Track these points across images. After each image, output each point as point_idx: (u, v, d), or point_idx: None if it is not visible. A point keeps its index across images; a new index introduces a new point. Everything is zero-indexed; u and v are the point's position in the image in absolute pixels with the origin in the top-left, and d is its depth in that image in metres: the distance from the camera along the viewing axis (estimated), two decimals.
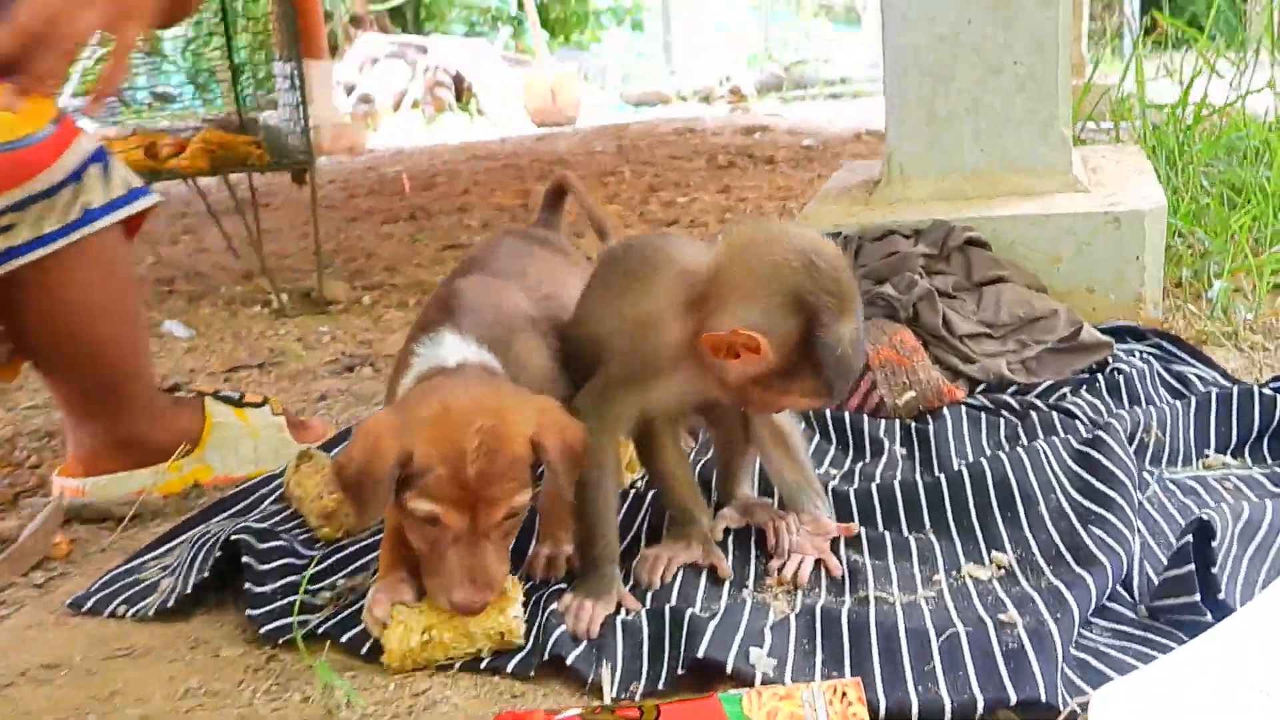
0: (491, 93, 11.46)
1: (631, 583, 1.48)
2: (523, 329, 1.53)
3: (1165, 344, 2.13)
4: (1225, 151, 2.94)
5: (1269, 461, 1.71)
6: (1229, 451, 1.75)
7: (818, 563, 1.48)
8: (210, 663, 1.40)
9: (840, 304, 1.32)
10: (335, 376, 2.69)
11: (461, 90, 11.62)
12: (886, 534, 1.56)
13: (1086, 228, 2.25)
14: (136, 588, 1.60)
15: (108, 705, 1.30)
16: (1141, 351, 2.11)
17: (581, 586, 1.42)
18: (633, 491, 1.72)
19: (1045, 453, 1.64)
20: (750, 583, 1.48)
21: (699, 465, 1.81)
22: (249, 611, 1.45)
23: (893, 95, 2.52)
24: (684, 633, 1.29)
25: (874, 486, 1.66)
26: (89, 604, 1.56)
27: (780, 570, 1.47)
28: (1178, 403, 1.80)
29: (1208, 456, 1.74)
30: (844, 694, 1.05)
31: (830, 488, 1.67)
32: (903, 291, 2.13)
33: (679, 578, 1.47)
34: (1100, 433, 1.64)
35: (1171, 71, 3.29)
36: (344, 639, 1.39)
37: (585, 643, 1.34)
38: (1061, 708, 1.14)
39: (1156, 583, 1.35)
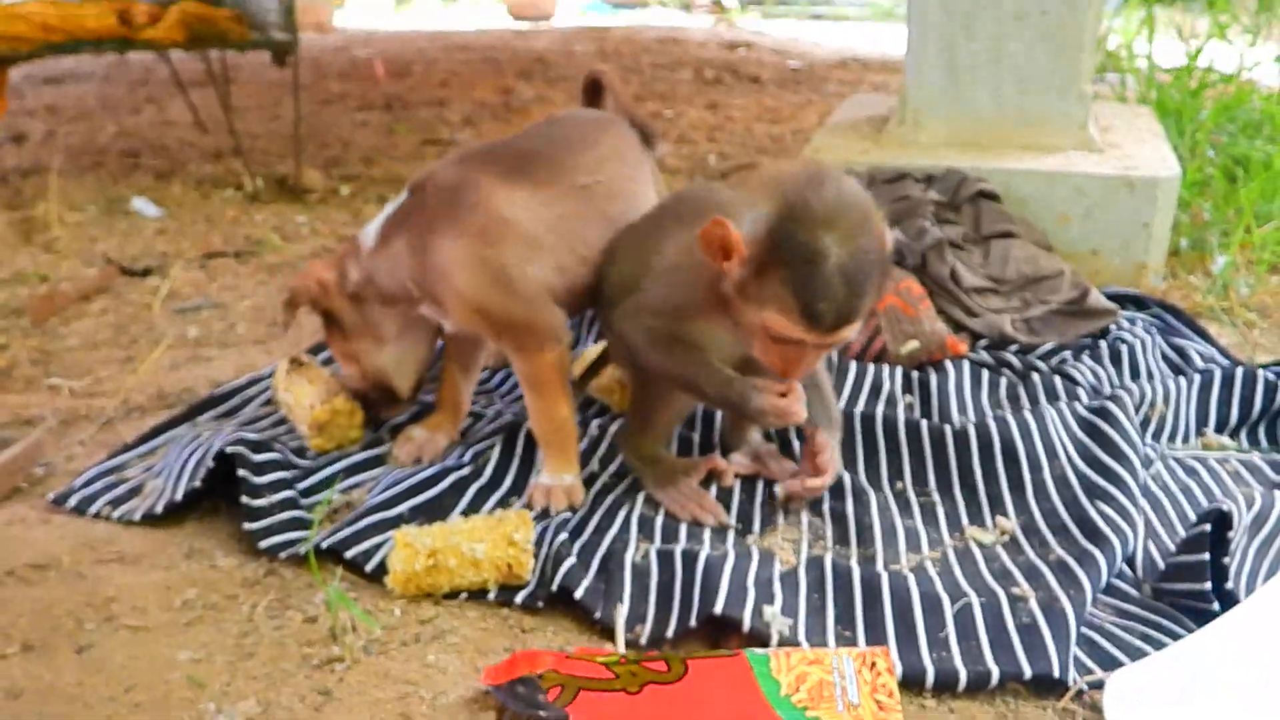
0: None
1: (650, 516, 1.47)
2: (456, 229, 1.52)
3: (1166, 315, 2.14)
4: (1229, 121, 2.92)
5: (1266, 446, 1.73)
6: (1227, 431, 1.77)
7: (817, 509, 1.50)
8: (207, 574, 1.36)
9: (829, 217, 1.24)
10: None
11: None
12: (890, 492, 1.56)
13: (1099, 189, 2.23)
14: (120, 487, 1.55)
15: (104, 613, 1.26)
16: (1144, 321, 2.11)
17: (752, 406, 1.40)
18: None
19: (1052, 418, 1.64)
20: (756, 529, 1.47)
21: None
22: (246, 525, 1.41)
23: (914, 37, 2.45)
24: (697, 584, 1.28)
25: (879, 430, 1.65)
26: (71, 501, 1.51)
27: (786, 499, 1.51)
28: (1180, 379, 1.80)
29: (1205, 434, 1.76)
30: (873, 664, 1.05)
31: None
32: (913, 238, 2.11)
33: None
34: (1108, 403, 1.64)
35: (1181, 30, 3.24)
36: (348, 555, 1.36)
37: (593, 577, 1.32)
38: (1071, 685, 1.16)
39: (1164, 565, 1.36)
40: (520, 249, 1.52)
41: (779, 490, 1.52)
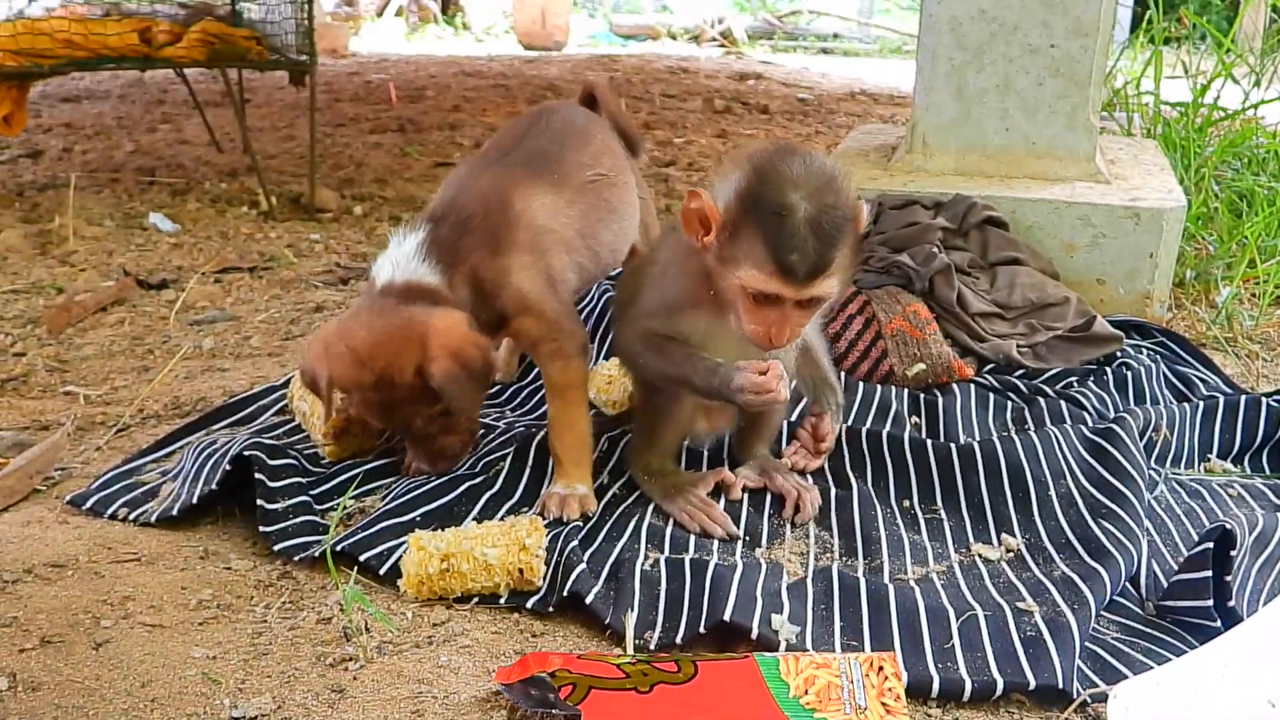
0: (480, 7, 11.19)
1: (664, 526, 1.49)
2: (515, 246, 1.56)
3: (1170, 343, 2.16)
4: (1234, 157, 2.96)
5: (1268, 472, 1.75)
6: (1230, 458, 1.78)
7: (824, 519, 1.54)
8: (221, 575, 1.38)
9: (795, 179, 1.31)
10: (330, 288, 2.63)
11: (449, 2, 11.33)
12: (897, 508, 1.57)
13: (1106, 219, 2.26)
14: (137, 490, 1.57)
15: (121, 610, 1.27)
16: (1148, 349, 2.14)
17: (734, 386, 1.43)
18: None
19: (1058, 439, 1.65)
20: (764, 542, 1.49)
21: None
22: (262, 528, 1.43)
23: (924, 65, 2.49)
24: (706, 591, 1.30)
25: (887, 448, 1.67)
26: (88, 503, 1.53)
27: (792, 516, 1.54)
28: (1185, 405, 1.82)
29: (1209, 460, 1.77)
30: (880, 668, 1.07)
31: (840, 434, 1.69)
32: (920, 263, 2.13)
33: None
34: (1113, 425, 1.66)
35: (1186, 68, 3.28)
36: (362, 558, 1.38)
37: (603, 584, 1.34)
38: (1075, 696, 1.17)
39: (1167, 583, 1.38)
40: (560, 253, 1.59)
41: (785, 458, 1.60)
